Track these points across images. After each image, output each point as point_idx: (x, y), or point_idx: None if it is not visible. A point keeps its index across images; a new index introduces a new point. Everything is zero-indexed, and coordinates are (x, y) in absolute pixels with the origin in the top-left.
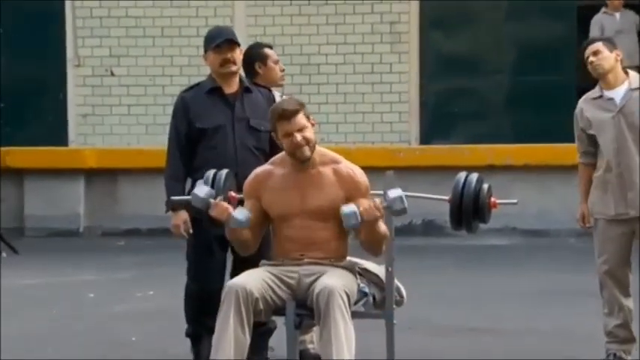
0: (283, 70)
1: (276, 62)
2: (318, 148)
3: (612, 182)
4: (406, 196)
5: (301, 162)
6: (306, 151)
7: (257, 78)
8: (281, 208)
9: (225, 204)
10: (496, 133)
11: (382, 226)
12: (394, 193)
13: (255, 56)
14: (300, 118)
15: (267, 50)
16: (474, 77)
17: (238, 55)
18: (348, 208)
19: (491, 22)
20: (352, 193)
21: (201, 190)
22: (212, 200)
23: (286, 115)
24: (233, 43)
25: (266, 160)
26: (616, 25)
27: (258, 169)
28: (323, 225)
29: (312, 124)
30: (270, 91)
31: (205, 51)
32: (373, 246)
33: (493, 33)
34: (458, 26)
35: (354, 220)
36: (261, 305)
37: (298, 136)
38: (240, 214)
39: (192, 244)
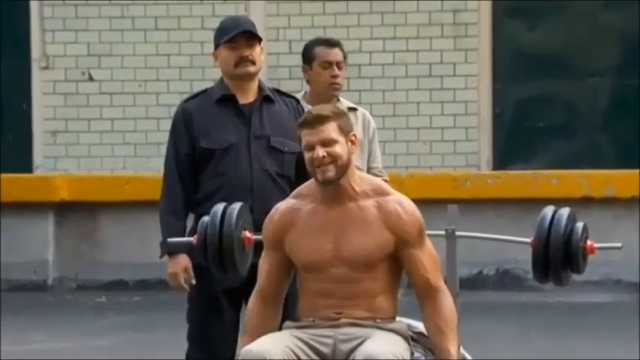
0: (335, 77)
1: (327, 66)
2: (358, 173)
3: None
4: (475, 237)
5: (324, 185)
6: (330, 171)
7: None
8: (309, 254)
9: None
10: (593, 154)
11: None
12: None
13: (303, 56)
14: (330, 129)
15: (318, 49)
16: (563, 81)
17: (259, 53)
18: None
19: (585, 9)
20: (400, 236)
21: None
22: None
23: (310, 121)
24: (252, 36)
25: (291, 190)
26: None
27: (282, 206)
28: (365, 275)
29: (353, 142)
30: (298, 101)
31: (216, 47)
32: None
33: (588, 24)
34: (542, 15)
35: None
36: None
37: (320, 151)
38: None
39: (195, 300)
